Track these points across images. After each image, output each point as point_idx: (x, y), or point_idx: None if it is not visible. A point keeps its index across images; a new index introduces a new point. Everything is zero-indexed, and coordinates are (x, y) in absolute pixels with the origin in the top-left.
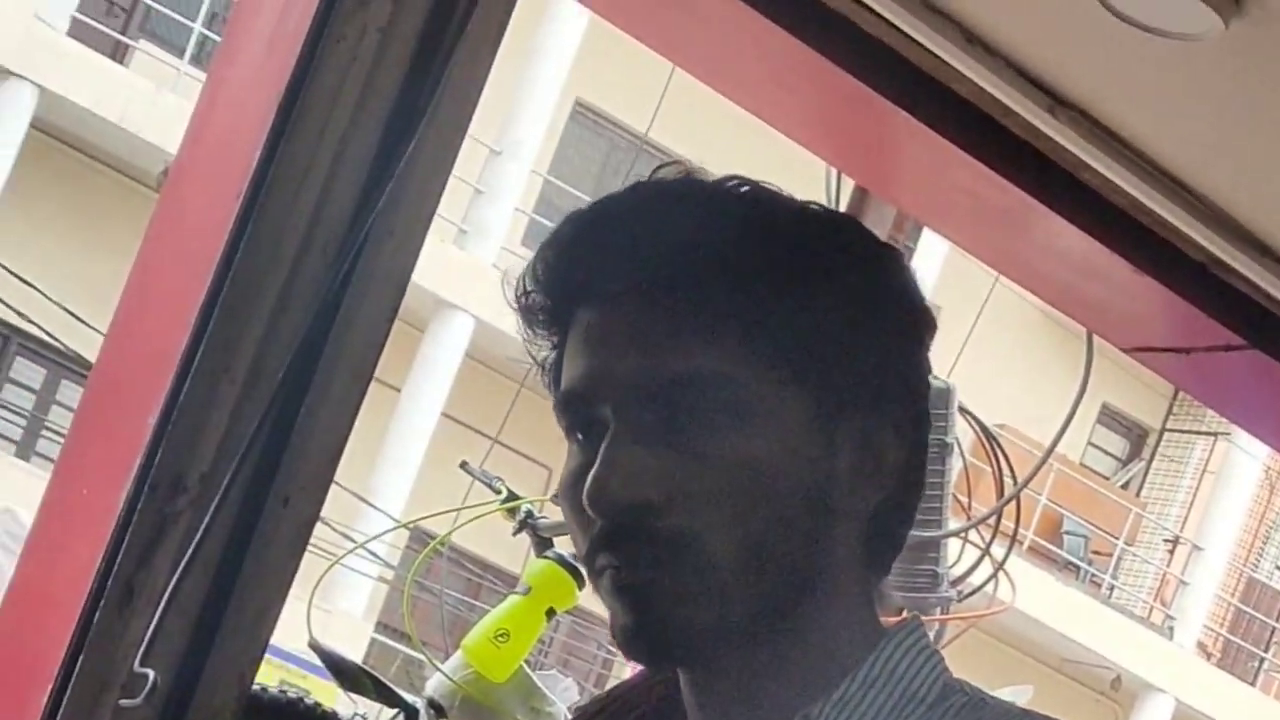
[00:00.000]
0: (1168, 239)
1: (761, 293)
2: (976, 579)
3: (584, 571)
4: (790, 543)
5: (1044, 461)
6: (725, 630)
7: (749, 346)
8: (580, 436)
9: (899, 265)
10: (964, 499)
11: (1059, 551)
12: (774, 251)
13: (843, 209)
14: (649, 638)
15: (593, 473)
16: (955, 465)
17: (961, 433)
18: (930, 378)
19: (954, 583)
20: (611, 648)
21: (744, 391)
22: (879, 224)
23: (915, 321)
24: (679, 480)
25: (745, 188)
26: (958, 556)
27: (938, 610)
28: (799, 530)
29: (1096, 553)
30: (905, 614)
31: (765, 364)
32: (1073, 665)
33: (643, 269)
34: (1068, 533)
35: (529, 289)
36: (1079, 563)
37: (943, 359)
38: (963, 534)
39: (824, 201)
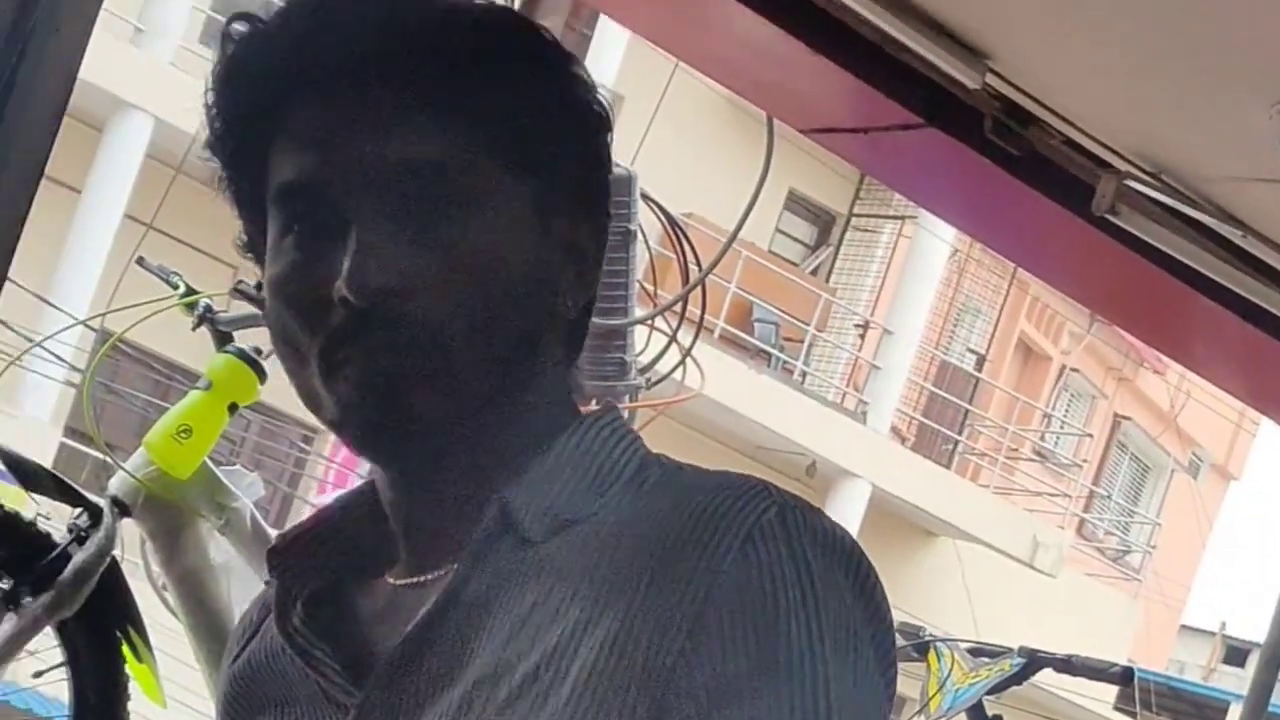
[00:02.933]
0: (843, 20)
1: (479, 81)
2: (665, 367)
3: (266, 366)
4: (516, 334)
5: (728, 247)
6: (454, 417)
7: (472, 134)
8: (298, 230)
9: (578, 63)
10: (650, 287)
11: (750, 339)
12: (483, 42)
13: (517, 1)
14: (388, 424)
15: (350, 260)
16: (640, 254)
17: (648, 222)
18: (614, 166)
19: (642, 370)
20: (305, 446)
21: (472, 179)
22: (555, 11)
23: (602, 118)
24: (421, 265)
25: None
26: (645, 345)
27: (626, 398)
28: (524, 323)
29: (788, 339)
30: (596, 403)
31: (488, 154)
32: (767, 452)
33: (363, 59)
34: (758, 320)
35: (229, 86)
36: (770, 350)
37: (625, 147)
38: (649, 321)
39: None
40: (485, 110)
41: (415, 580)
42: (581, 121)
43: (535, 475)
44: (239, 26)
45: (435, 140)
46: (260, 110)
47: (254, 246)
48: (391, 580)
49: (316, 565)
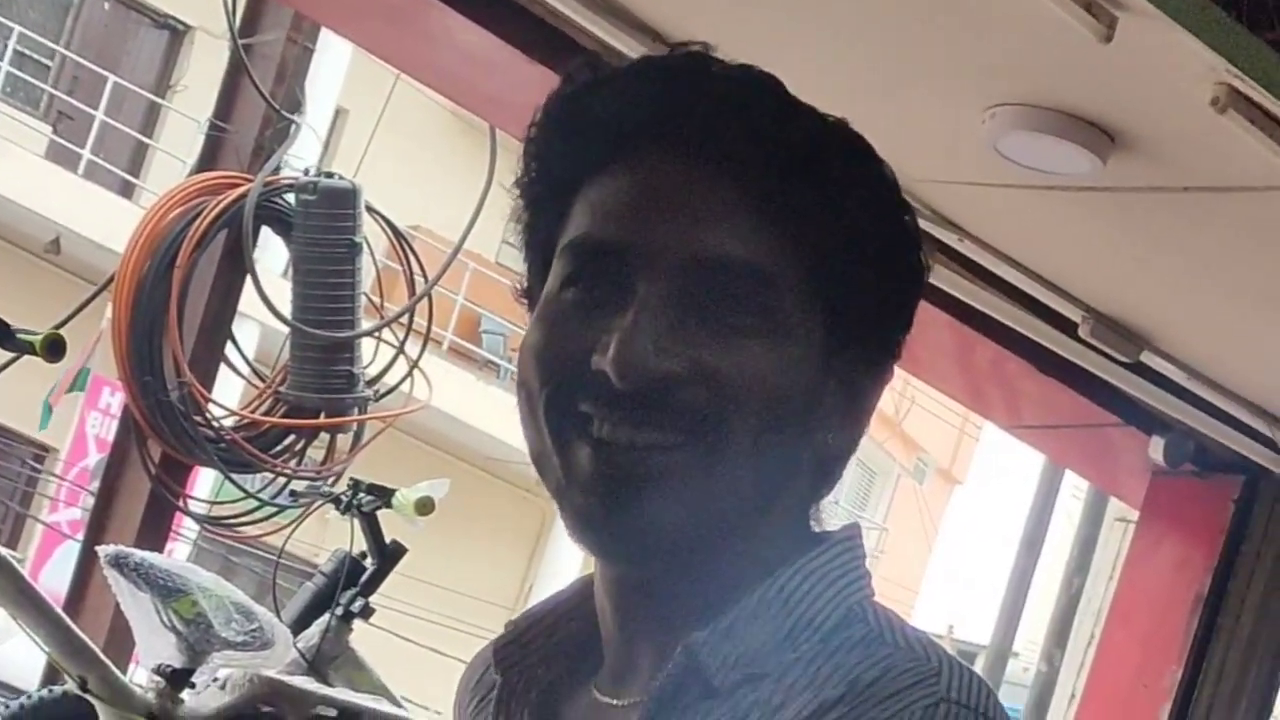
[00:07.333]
0: (559, 28)
1: (809, 197)
2: (393, 379)
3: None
4: (776, 457)
5: (453, 258)
6: (693, 524)
7: (787, 247)
8: (580, 288)
9: (911, 211)
10: (377, 300)
11: (478, 350)
12: (825, 160)
13: (239, 15)
14: (622, 511)
15: (622, 336)
16: (366, 267)
17: (374, 235)
18: (338, 179)
19: (370, 383)
20: (37, 465)
21: (774, 292)
22: (277, 25)
23: (919, 277)
24: (707, 358)
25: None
26: (373, 357)
27: (355, 410)
28: (786, 448)
29: (516, 350)
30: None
31: (795, 270)
32: (498, 464)
33: (704, 140)
34: (486, 331)
35: (558, 128)
36: (499, 361)
37: (350, 160)
38: (376, 334)
39: (221, 9)
40: (807, 228)
41: (613, 702)
42: (897, 272)
43: (733, 619)
44: (581, 71)
45: (750, 243)
46: (582, 160)
47: (530, 292)
48: (596, 692)
49: (537, 664)
